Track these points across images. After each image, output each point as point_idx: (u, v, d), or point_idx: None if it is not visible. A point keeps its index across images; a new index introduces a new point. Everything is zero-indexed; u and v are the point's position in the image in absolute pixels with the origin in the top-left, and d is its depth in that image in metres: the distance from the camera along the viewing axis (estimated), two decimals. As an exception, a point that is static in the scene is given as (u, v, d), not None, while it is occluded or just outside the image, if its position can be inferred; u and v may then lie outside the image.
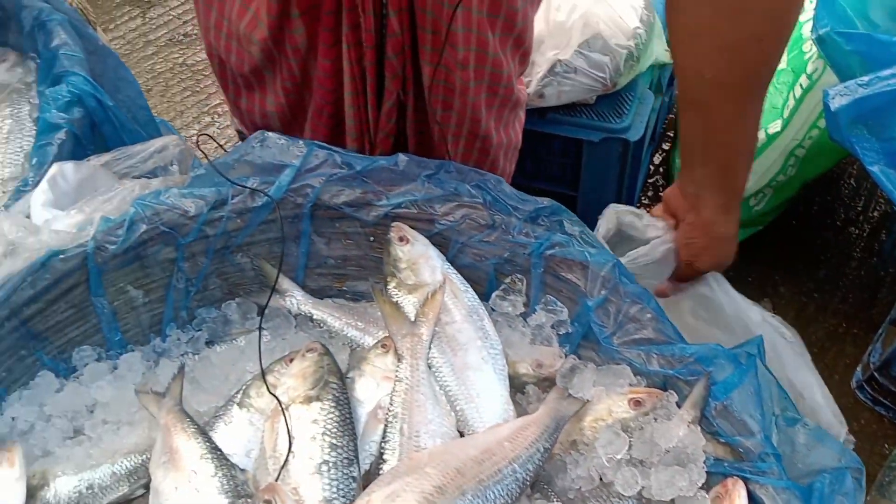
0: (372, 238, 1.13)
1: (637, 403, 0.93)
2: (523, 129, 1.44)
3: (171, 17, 3.41)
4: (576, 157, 1.87)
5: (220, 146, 1.24)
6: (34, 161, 1.13)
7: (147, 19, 3.41)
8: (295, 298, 1.14)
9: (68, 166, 1.12)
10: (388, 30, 1.08)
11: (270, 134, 1.11)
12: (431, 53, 1.12)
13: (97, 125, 1.24)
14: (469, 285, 1.07)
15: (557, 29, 1.63)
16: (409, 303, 1.04)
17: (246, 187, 1.07)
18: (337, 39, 1.11)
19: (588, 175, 1.88)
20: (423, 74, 1.14)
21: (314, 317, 1.13)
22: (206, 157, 1.08)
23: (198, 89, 3.02)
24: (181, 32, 3.32)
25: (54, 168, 1.10)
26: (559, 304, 1.04)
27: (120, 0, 3.51)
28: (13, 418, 1.01)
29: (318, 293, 1.16)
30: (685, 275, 1.20)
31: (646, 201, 2.50)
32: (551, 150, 1.88)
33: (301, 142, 1.11)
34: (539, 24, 1.62)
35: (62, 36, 1.34)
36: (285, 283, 1.14)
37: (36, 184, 1.09)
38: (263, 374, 0.98)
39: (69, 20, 1.41)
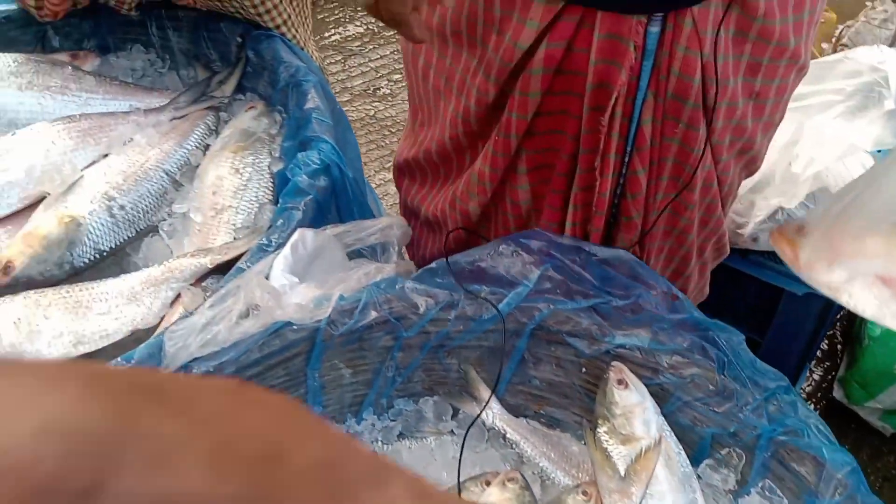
0: (584, 370, 1.10)
1: None
2: (721, 264, 1.39)
3: (368, 69, 3.57)
4: (770, 304, 1.79)
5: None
6: (279, 222, 1.17)
7: (346, 66, 3.59)
8: (492, 411, 1.12)
9: (309, 234, 1.15)
10: (630, 189, 1.06)
11: (505, 245, 1.11)
12: (662, 200, 1.09)
13: (336, 194, 1.28)
14: (682, 447, 1.02)
15: (788, 178, 1.58)
16: (618, 454, 1.00)
17: (478, 296, 1.07)
18: (566, 202, 1.09)
19: (781, 325, 1.79)
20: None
21: (507, 435, 1.10)
22: (447, 257, 1.09)
23: (382, 144, 3.13)
24: (375, 85, 3.47)
25: (297, 234, 1.14)
26: (779, 493, 0.97)
27: (325, 43, 3.71)
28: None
29: (513, 409, 1.14)
30: None
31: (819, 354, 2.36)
32: (746, 291, 1.81)
33: (537, 256, 1.10)
34: (772, 169, 1.58)
35: (315, 99, 1.41)
36: (485, 392, 1.12)
37: (278, 246, 1.13)
38: (459, 492, 0.96)
39: (320, 82, 1.48)
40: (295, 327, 1.02)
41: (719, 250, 1.32)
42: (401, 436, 1.12)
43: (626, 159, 1.03)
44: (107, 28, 1.75)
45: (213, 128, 1.54)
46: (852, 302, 0.79)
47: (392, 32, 3.78)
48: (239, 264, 1.13)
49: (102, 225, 1.34)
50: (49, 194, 1.38)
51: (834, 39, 3.36)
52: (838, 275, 0.81)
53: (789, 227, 0.98)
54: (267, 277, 1.09)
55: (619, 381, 1.03)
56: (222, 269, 1.23)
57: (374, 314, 1.05)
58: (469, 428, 1.06)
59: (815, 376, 2.32)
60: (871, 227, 0.83)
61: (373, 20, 3.87)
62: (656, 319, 1.04)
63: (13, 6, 1.70)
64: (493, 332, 1.09)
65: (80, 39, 1.76)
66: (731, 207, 1.63)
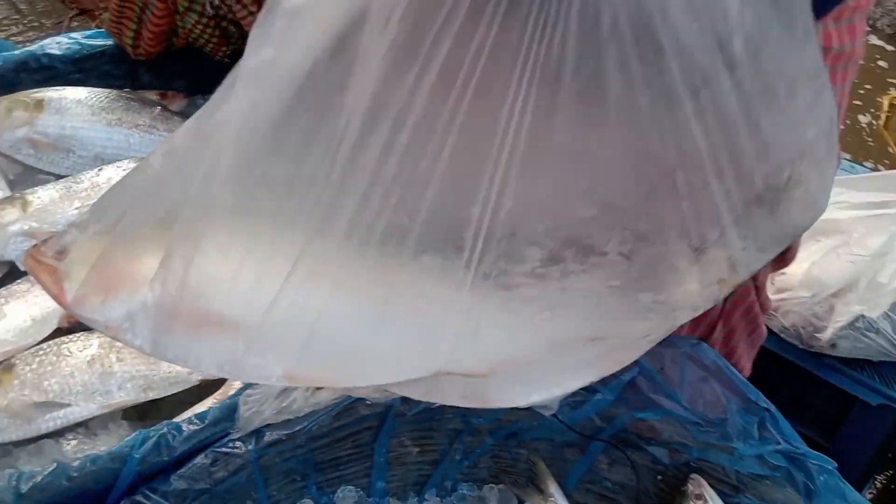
0: (660, 477, 1.06)
1: None
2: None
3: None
4: (841, 410, 1.72)
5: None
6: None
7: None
8: (559, 508, 1.08)
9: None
10: None
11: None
12: None
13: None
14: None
15: (874, 286, 1.53)
16: (693, 573, 0.95)
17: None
18: None
19: (850, 433, 1.72)
20: None
21: (573, 535, 1.06)
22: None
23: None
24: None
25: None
26: None
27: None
28: (266, 542, 1.01)
29: (580, 508, 1.10)
30: None
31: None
32: (817, 393, 1.74)
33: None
34: (856, 276, 1.54)
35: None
36: (552, 487, 1.08)
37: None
38: None
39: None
40: (368, 402, 1.00)
41: (750, 324, 1.29)
42: (462, 522, 1.09)
43: None
44: (196, 70, 1.78)
45: (294, 179, 1.55)
46: (137, 342, 0.61)
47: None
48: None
49: (179, 269, 1.34)
50: (130, 232, 1.39)
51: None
52: (117, 311, 0.61)
53: (49, 247, 0.66)
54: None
55: (698, 496, 0.99)
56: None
57: (449, 397, 1.02)
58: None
59: (878, 483, 2.22)
60: (149, 237, 0.62)
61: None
62: (743, 435, 1.00)
63: (109, 41, 1.74)
64: (569, 432, 1.05)
65: (170, 78, 1.80)
66: (811, 311, 1.59)
